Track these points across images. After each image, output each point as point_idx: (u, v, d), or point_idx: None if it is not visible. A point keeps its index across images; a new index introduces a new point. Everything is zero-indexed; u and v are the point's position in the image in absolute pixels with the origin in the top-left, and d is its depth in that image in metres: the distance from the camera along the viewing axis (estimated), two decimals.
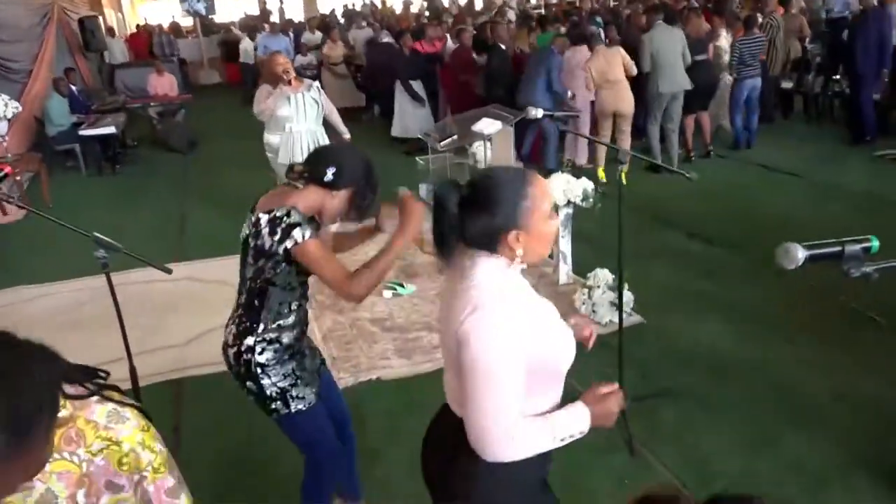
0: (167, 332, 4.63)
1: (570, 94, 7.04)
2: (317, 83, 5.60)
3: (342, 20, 17.32)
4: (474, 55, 7.87)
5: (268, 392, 2.37)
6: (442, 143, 5.00)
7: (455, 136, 4.96)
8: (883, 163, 7.37)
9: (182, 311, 4.98)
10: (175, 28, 20.01)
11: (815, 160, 7.49)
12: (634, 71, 6.82)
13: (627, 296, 4.19)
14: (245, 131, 11.34)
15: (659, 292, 4.66)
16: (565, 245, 4.83)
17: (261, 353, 2.34)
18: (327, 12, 19.58)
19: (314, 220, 2.33)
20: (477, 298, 1.50)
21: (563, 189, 4.58)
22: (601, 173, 6.98)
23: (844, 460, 2.99)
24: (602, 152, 7.06)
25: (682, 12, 8.13)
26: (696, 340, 4.10)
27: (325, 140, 5.56)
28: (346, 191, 2.29)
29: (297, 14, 20.49)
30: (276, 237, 2.19)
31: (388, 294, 4.93)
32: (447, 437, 1.68)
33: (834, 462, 2.99)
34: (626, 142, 7.06)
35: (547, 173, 7.01)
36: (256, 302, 2.33)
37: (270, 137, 5.62)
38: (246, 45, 14.06)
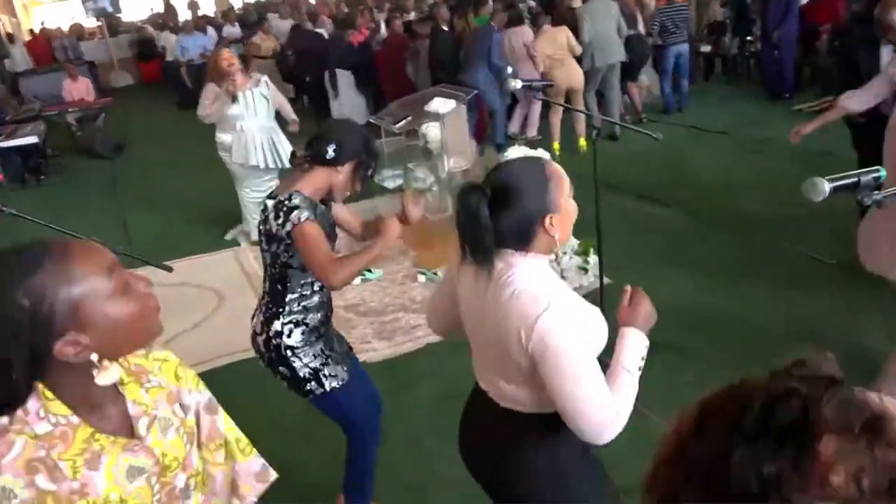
0: None
1: (510, 70, 7.17)
2: (265, 77, 5.50)
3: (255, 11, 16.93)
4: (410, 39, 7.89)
5: (301, 374, 2.42)
6: (397, 125, 5.01)
7: (409, 118, 4.99)
8: (802, 116, 7.81)
9: None
10: (77, 30, 19.08)
11: (741, 118, 7.87)
12: (578, 51, 6.99)
13: (594, 258, 4.34)
14: (175, 132, 11.07)
15: (621, 254, 4.83)
16: None
17: (289, 336, 2.40)
18: (239, 4, 19.10)
19: (324, 203, 2.38)
20: (537, 298, 1.49)
21: None
22: (556, 146, 7.14)
23: None
24: (557, 126, 7.22)
25: None
26: (662, 297, 4.24)
27: (279, 135, 5.49)
28: (349, 164, 2.35)
29: (209, 8, 19.86)
30: (279, 220, 2.26)
31: (356, 280, 4.93)
32: (498, 435, 1.69)
33: None
34: (581, 115, 7.24)
35: (497, 148, 7.14)
36: (279, 286, 2.39)
37: (222, 136, 5.51)
38: (171, 42, 13.56)
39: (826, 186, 1.51)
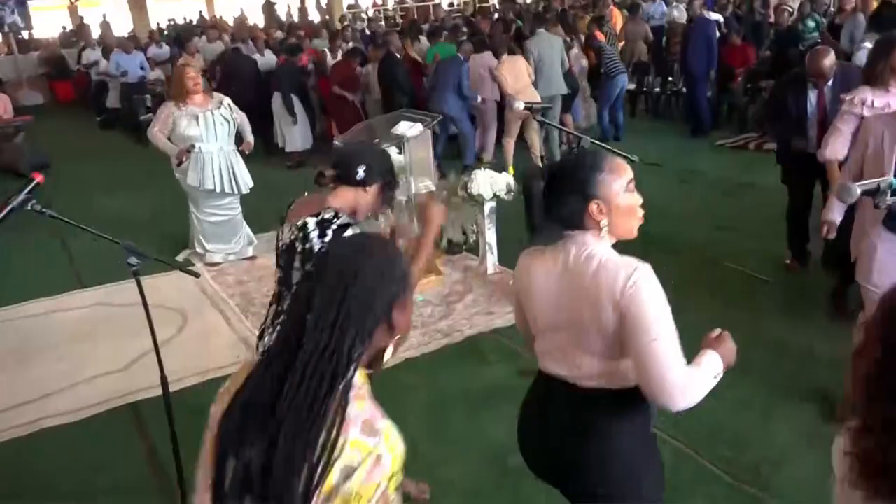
0: (99, 360, 4.38)
1: (479, 98, 7.49)
2: (227, 99, 5.48)
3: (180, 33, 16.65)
4: (359, 67, 8.03)
5: None
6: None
7: (377, 141, 5.13)
8: (723, 150, 8.46)
9: (105, 336, 4.71)
10: None
11: (669, 151, 8.41)
12: (533, 77, 7.35)
13: None
14: (104, 153, 10.71)
15: None
16: (491, 237, 5.15)
17: None
18: (162, 25, 18.72)
19: None
20: (625, 263, 1.66)
21: (489, 183, 4.91)
22: (511, 170, 7.44)
23: (774, 394, 3.55)
24: (511, 151, 7.56)
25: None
26: None
27: (237, 159, 5.47)
28: (376, 185, 2.44)
29: (123, 28, 19.32)
30: (327, 238, 2.29)
31: None
32: (578, 420, 1.77)
33: (767, 398, 3.53)
34: (537, 138, 7.67)
35: (464, 169, 7.38)
36: None
37: None
38: (96, 59, 13.12)
39: (857, 190, 1.79)
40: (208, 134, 5.25)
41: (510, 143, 7.60)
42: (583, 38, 9.02)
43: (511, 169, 7.49)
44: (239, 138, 5.63)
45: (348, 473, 1.12)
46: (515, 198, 4.96)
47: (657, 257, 1.68)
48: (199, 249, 5.72)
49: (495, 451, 3.14)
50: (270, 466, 1.13)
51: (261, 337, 2.56)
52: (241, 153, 5.56)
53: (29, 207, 2.16)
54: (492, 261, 5.22)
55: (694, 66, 8.55)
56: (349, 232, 2.30)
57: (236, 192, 5.46)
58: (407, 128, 5.13)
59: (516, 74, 7.27)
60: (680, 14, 11.03)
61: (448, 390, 3.82)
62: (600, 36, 8.96)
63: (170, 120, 5.19)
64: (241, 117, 5.52)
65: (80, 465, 3.39)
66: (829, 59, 4.32)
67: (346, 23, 14.60)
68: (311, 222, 2.34)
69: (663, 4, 12.73)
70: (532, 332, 1.92)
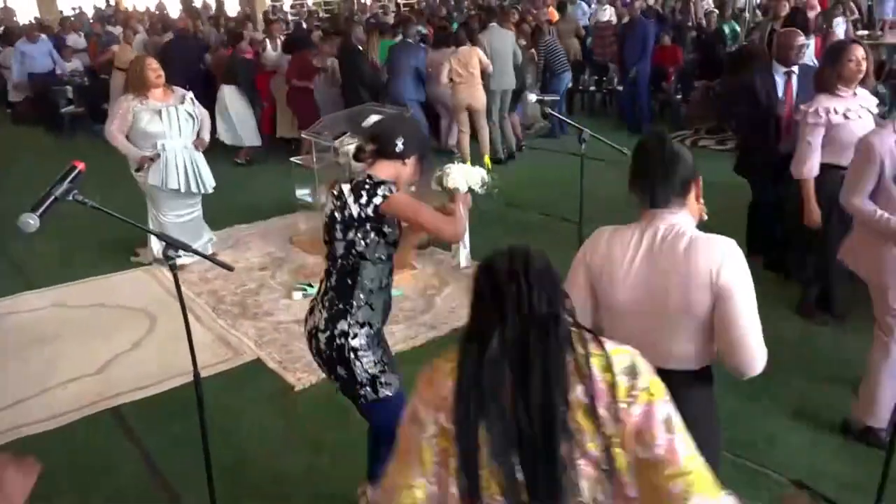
0: (69, 363, 4.16)
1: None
2: (190, 94, 5.23)
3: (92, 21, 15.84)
4: (314, 61, 7.87)
5: (359, 378, 2.44)
6: (338, 140, 5.08)
7: (347, 133, 5.09)
8: None
9: (70, 339, 4.47)
10: None
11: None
12: (490, 69, 7.41)
13: None
14: (25, 152, 9.97)
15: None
16: None
17: (354, 338, 2.41)
18: (70, 12, 17.72)
19: None
20: (716, 240, 1.75)
21: (464, 177, 4.94)
22: (487, 160, 7.52)
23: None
24: (466, 145, 7.58)
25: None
26: None
27: (200, 157, 5.24)
28: (414, 157, 2.48)
29: (27, 15, 18.18)
30: (363, 200, 2.33)
31: (297, 296, 4.92)
32: None
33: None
34: (484, 135, 7.70)
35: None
36: (349, 280, 2.41)
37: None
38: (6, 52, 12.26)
39: None
40: (171, 130, 4.97)
41: (465, 138, 7.65)
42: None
43: (487, 159, 7.54)
44: None
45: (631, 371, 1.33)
46: (494, 185, 5.04)
47: None
48: (156, 248, 5.44)
49: None
50: (528, 406, 1.27)
51: (311, 312, 2.53)
52: None
53: (71, 198, 2.05)
54: (464, 254, 5.28)
55: (633, 64, 8.85)
56: (383, 188, 2.33)
57: (201, 191, 5.25)
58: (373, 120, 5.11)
59: (463, 66, 7.28)
60: (607, 14, 11.41)
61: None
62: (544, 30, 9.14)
63: (129, 115, 4.88)
64: (203, 113, 5.30)
65: (75, 472, 3.22)
66: (801, 39, 4.41)
67: (277, 16, 14.29)
68: (346, 188, 2.37)
69: (584, 5, 13.13)
70: (598, 311, 1.92)
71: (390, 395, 2.47)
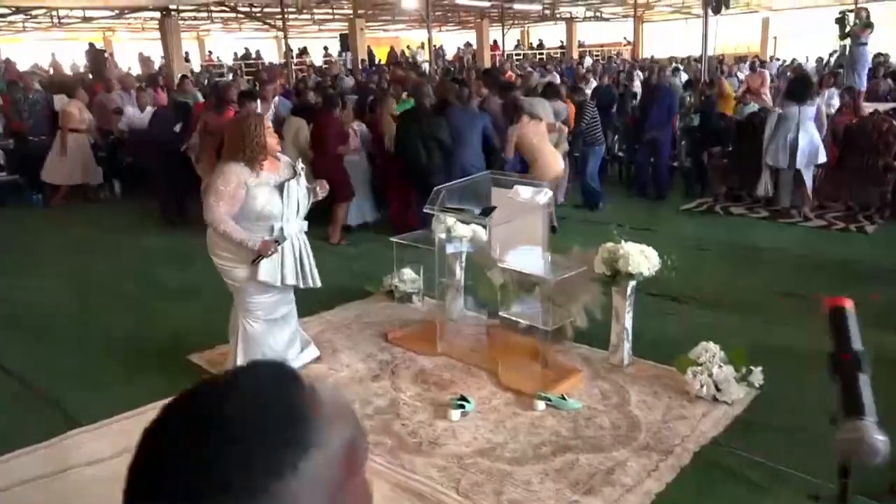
0: None
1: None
2: (300, 164, 4.13)
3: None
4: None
5: None
6: (486, 217, 4.15)
7: (491, 207, 4.19)
8: (686, 215, 8.38)
9: None
10: None
11: (647, 216, 8.11)
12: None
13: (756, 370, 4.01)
14: None
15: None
16: (629, 321, 4.37)
17: None
18: None
19: None
20: None
21: (642, 259, 4.17)
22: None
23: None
24: None
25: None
26: None
27: (307, 243, 4.16)
28: None
29: None
30: None
31: (456, 415, 3.87)
32: None
33: None
34: None
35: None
36: None
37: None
38: None
39: None
40: (289, 211, 3.88)
41: None
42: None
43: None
44: None
45: None
46: (674, 264, 4.32)
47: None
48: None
49: None
50: None
51: None
52: None
53: None
54: (627, 349, 4.42)
55: (658, 132, 8.50)
56: None
57: (311, 285, 4.10)
58: (525, 190, 4.29)
59: (540, 138, 6.68)
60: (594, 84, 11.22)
61: None
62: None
63: (241, 192, 3.75)
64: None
65: None
66: None
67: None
68: None
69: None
70: None
71: None
